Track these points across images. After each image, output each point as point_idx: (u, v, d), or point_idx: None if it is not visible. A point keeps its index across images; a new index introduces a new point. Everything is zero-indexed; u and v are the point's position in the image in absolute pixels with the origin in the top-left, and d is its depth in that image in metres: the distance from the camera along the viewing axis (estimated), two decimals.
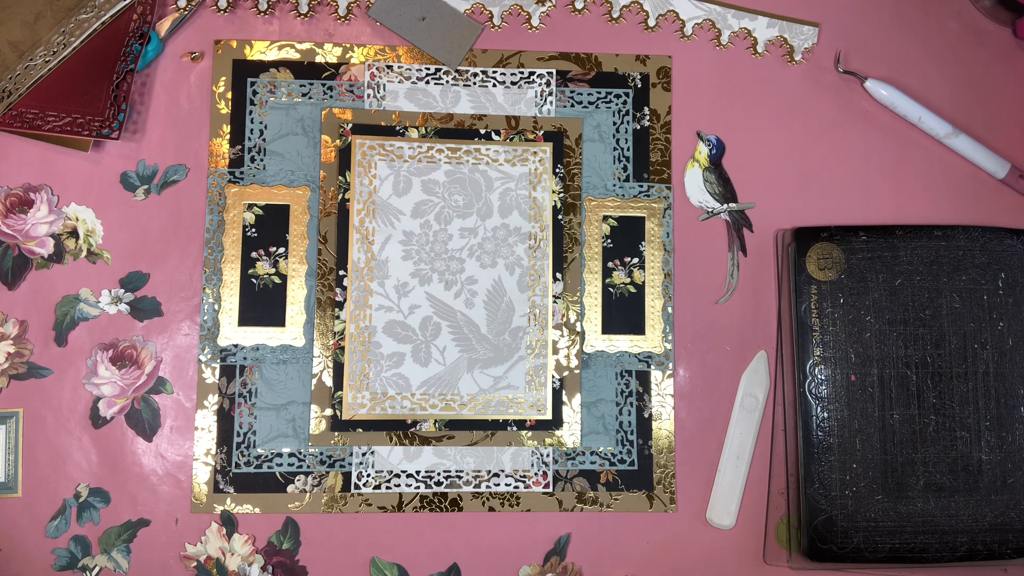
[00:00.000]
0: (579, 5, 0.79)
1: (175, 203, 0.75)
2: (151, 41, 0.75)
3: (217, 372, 0.74)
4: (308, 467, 0.73)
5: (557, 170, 0.77)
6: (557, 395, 0.75)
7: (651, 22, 0.80)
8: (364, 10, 0.78)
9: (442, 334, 0.75)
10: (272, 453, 0.73)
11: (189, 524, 0.73)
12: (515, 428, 0.74)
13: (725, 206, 0.78)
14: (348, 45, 0.77)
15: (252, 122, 0.76)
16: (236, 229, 0.75)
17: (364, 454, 0.73)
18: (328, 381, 0.74)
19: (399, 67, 0.77)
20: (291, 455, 0.73)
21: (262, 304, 0.74)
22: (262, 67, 0.77)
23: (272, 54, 0.77)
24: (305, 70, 0.77)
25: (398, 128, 0.76)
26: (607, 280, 0.77)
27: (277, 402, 0.74)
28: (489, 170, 0.77)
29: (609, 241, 0.77)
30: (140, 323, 0.74)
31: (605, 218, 0.77)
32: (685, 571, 0.75)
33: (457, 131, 0.77)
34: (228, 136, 0.76)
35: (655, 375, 0.76)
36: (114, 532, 0.73)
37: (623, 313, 0.76)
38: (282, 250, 0.75)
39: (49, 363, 0.73)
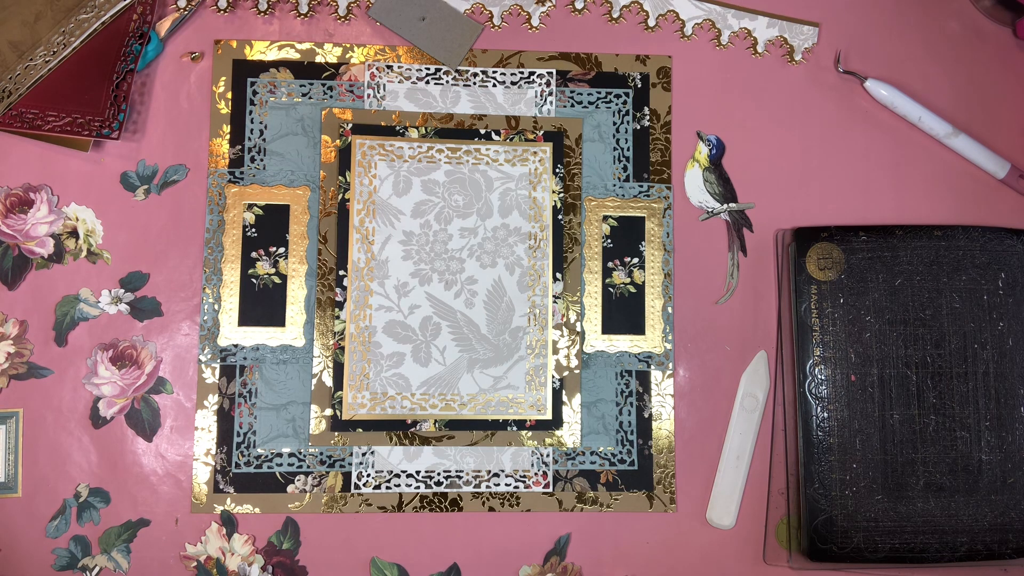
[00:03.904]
0: (579, 5, 0.79)
1: (175, 203, 0.75)
2: (151, 41, 0.75)
3: (217, 372, 0.74)
4: (308, 467, 0.73)
5: (557, 170, 0.77)
6: (557, 395, 0.75)
7: (651, 22, 0.80)
8: (364, 10, 0.78)
9: (442, 334, 0.75)
10: (272, 453, 0.73)
11: (189, 524, 0.73)
12: (515, 428, 0.74)
13: (725, 206, 0.78)
14: (348, 45, 0.77)
15: (252, 122, 0.76)
16: (236, 229, 0.75)
17: (364, 454, 0.73)
18: (328, 381, 0.74)
19: (399, 67, 0.77)
20: (291, 455, 0.73)
21: (262, 304, 0.74)
22: (262, 67, 0.77)
23: (272, 54, 0.77)
24: (305, 70, 0.77)
25: (398, 128, 0.76)
26: (607, 280, 0.77)
27: (277, 402, 0.74)
28: (489, 170, 0.77)
29: (609, 241, 0.77)
30: (140, 323, 0.74)
31: (605, 218, 0.77)
32: (685, 571, 0.75)
33: (457, 131, 0.77)
34: (228, 136, 0.76)
35: (655, 375, 0.76)
36: (114, 532, 0.73)
37: (623, 313, 0.76)
38: (282, 250, 0.75)
39: (49, 363, 0.73)
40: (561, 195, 0.77)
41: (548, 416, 0.75)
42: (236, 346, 0.74)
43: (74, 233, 0.75)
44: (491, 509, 0.74)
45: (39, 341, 0.74)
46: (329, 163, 0.76)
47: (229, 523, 0.73)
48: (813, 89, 0.80)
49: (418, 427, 0.74)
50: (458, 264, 0.76)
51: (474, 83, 0.78)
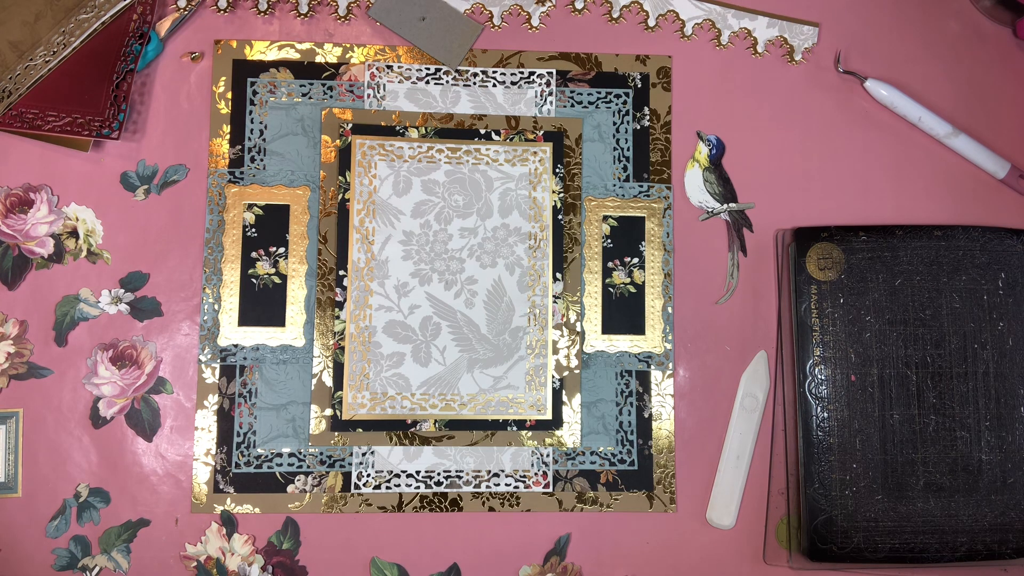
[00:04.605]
0: (579, 5, 0.79)
1: (175, 203, 0.75)
2: (151, 41, 0.75)
3: (217, 372, 0.74)
4: (308, 467, 0.73)
5: (557, 170, 0.77)
6: (557, 395, 0.75)
7: (651, 22, 0.80)
8: (364, 10, 0.78)
9: (442, 334, 0.75)
10: (272, 453, 0.73)
11: (189, 524, 0.73)
12: (515, 428, 0.74)
13: (725, 206, 0.78)
14: (348, 45, 0.77)
15: (252, 122, 0.76)
16: (236, 229, 0.75)
17: (364, 454, 0.73)
18: (328, 381, 0.74)
19: (399, 67, 0.77)
20: (291, 455, 0.73)
21: (262, 304, 0.74)
22: (262, 67, 0.77)
23: (272, 54, 0.77)
24: (305, 70, 0.77)
25: (398, 128, 0.76)
26: (607, 280, 0.77)
27: (277, 402, 0.74)
28: (489, 170, 0.77)
29: (609, 241, 0.77)
30: (140, 323, 0.74)
31: (605, 218, 0.77)
32: (685, 571, 0.75)
33: (457, 131, 0.77)
34: (228, 136, 0.76)
35: (655, 375, 0.76)
36: (114, 532, 0.73)
37: (623, 313, 0.76)
38: (282, 250, 0.75)
39: (49, 363, 0.73)
40: (561, 195, 0.77)
41: (548, 416, 0.75)
42: (236, 346, 0.74)
43: (74, 233, 0.75)
44: (491, 509, 0.74)
45: (39, 341, 0.74)
46: (329, 163, 0.76)
47: (229, 523, 0.73)
48: (813, 89, 0.80)
49: (418, 427, 0.74)
50: (458, 264, 0.76)
51: (474, 83, 0.78)
